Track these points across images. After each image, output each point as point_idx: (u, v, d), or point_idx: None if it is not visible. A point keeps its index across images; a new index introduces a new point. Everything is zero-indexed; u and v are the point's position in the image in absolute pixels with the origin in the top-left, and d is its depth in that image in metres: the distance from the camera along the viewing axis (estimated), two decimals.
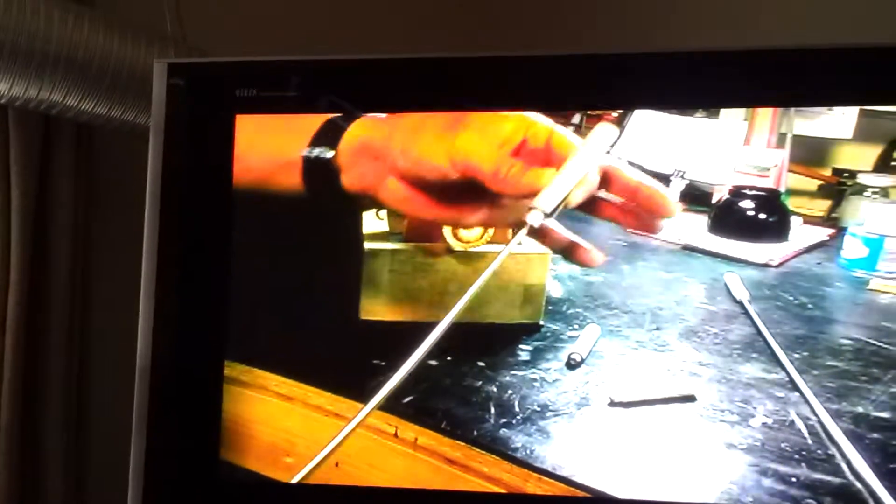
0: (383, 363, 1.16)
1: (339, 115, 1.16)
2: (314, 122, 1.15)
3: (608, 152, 1.09)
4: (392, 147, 1.11)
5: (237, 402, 1.19)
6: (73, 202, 1.62)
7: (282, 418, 1.17)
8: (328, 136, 1.14)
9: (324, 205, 1.16)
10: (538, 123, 1.09)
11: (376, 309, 1.18)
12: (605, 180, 1.09)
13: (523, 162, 1.07)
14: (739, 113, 1.16)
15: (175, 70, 1.24)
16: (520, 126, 1.09)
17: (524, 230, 1.07)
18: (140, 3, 1.61)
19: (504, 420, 1.11)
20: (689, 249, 1.18)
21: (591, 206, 1.10)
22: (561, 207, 1.07)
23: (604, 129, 1.09)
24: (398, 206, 1.13)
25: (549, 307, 1.16)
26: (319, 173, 1.14)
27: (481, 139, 1.08)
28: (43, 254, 1.59)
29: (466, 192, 1.10)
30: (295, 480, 1.14)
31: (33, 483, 1.59)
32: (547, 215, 1.06)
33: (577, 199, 1.08)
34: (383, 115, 1.16)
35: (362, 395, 1.14)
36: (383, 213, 1.22)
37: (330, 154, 1.13)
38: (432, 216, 1.13)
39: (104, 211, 1.69)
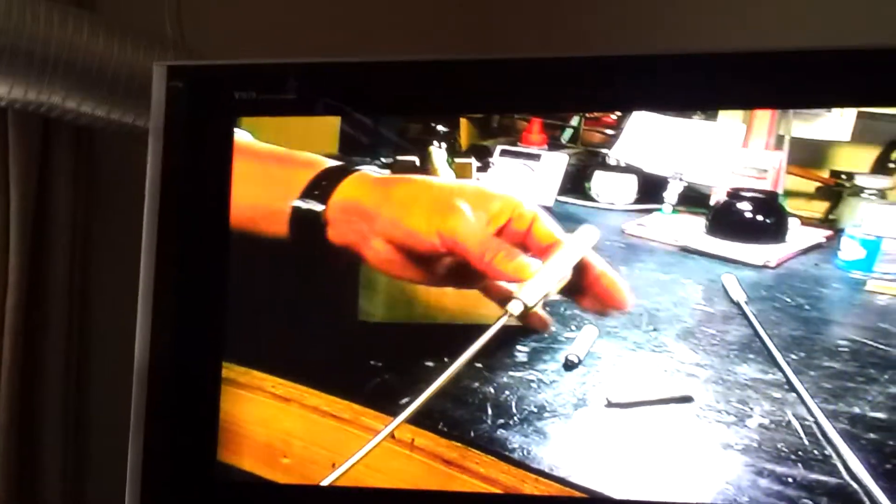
0: (380, 364, 1.16)
1: (332, 167, 1.15)
2: (304, 174, 1.14)
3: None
4: (382, 214, 1.11)
5: (234, 404, 1.19)
6: (72, 204, 1.62)
7: (279, 419, 1.17)
8: (320, 188, 1.14)
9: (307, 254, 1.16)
10: (524, 207, 1.09)
11: (374, 310, 1.18)
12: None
13: (508, 249, 1.07)
14: (737, 115, 1.16)
15: (174, 73, 1.25)
16: (506, 206, 1.09)
17: (504, 318, 1.07)
18: (140, 6, 1.61)
19: (501, 421, 1.11)
20: (686, 251, 1.18)
21: None
22: (541, 301, 1.07)
23: (588, 230, 1.10)
24: (381, 267, 1.13)
25: (547, 308, 1.16)
26: (307, 224, 1.13)
27: (470, 219, 1.09)
28: (42, 256, 1.59)
29: (452, 265, 1.10)
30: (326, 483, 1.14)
31: (31, 483, 1.58)
32: (528, 308, 1.06)
33: (555, 291, 1.09)
34: (376, 175, 1.15)
35: (359, 397, 1.14)
36: None
37: (320, 207, 1.13)
38: (415, 279, 1.13)
39: (103, 213, 1.69)
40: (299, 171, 1.15)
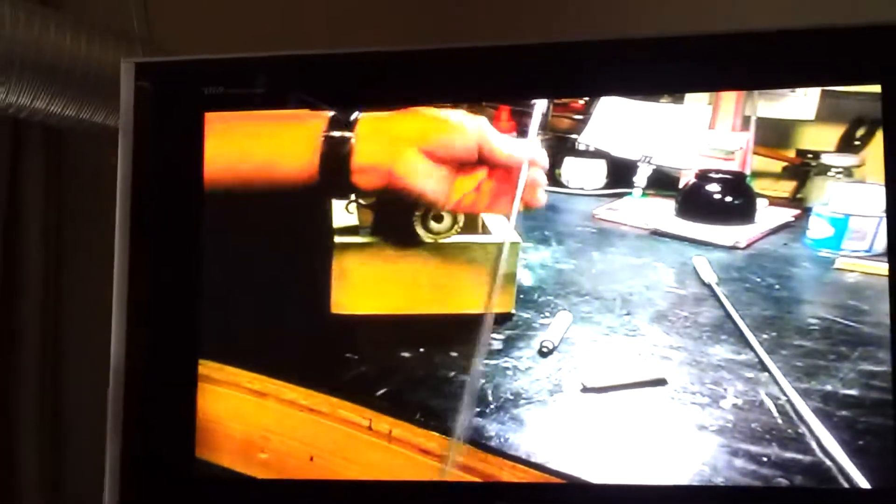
0: (356, 357, 1.16)
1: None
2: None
3: None
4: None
5: (210, 400, 1.18)
6: (43, 205, 1.62)
7: (256, 415, 1.17)
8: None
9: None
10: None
11: (347, 302, 1.18)
12: None
13: None
14: (704, 97, 1.17)
15: (142, 70, 1.24)
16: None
17: None
18: (106, 3, 1.61)
19: (478, 409, 1.11)
20: (657, 234, 1.18)
21: None
22: None
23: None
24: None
25: (521, 296, 1.16)
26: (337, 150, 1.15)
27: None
28: (14, 257, 1.59)
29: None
30: None
31: (8, 486, 1.58)
32: None
33: None
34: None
35: (336, 390, 1.14)
36: (353, 206, 1.22)
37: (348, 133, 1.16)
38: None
39: (75, 213, 1.69)
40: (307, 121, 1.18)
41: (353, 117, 1.16)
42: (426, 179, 1.14)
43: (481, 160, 1.14)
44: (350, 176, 1.15)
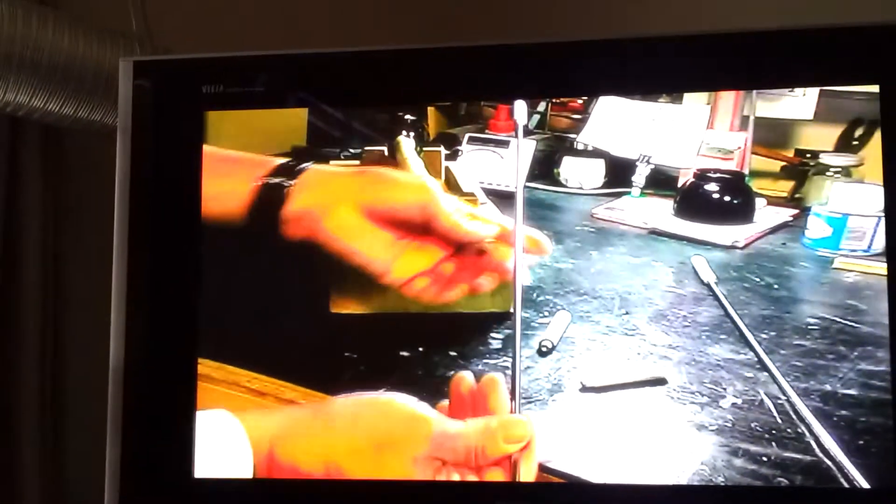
0: (355, 356, 1.16)
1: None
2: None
3: None
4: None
5: (210, 399, 1.18)
6: (42, 204, 1.62)
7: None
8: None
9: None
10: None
11: (347, 302, 1.18)
12: None
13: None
14: (702, 97, 1.17)
15: (141, 68, 1.24)
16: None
17: None
18: (105, 2, 1.60)
19: None
20: (655, 234, 1.18)
21: None
22: None
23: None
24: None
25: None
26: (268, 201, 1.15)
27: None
28: (13, 256, 1.58)
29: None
30: None
31: (8, 484, 1.58)
32: None
33: None
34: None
35: (335, 389, 1.14)
36: None
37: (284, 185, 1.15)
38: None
39: (74, 212, 1.69)
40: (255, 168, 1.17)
41: (302, 166, 1.15)
42: (358, 239, 1.12)
43: (437, 234, 1.12)
44: (279, 225, 1.14)
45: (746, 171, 1.16)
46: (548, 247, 1.12)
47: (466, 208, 1.14)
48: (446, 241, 1.12)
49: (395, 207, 1.12)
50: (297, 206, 1.13)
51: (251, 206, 1.14)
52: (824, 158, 1.13)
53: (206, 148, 1.20)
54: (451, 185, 1.23)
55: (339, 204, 1.13)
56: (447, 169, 1.24)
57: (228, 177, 1.17)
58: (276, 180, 1.15)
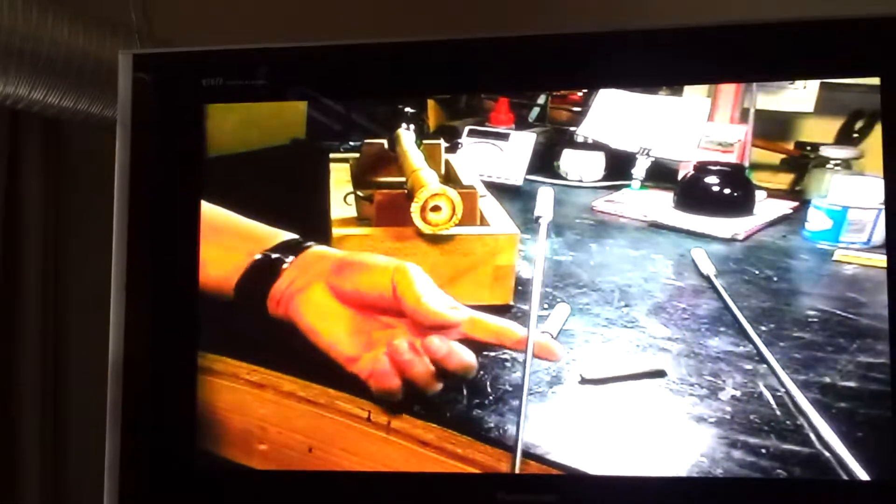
0: None
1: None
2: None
3: None
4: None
5: (210, 392, 1.18)
6: (42, 196, 1.62)
7: (254, 406, 1.17)
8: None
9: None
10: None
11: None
12: None
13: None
14: (702, 90, 1.17)
15: (140, 61, 1.24)
16: None
17: None
18: None
19: (477, 401, 1.11)
20: (655, 226, 1.18)
21: None
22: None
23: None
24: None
25: (519, 287, 1.16)
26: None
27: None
28: (14, 248, 1.58)
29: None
30: None
31: (9, 484, 1.58)
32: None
33: None
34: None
35: (334, 381, 1.14)
36: (351, 198, 1.22)
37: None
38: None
39: (74, 204, 1.69)
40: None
41: (305, 244, 1.17)
42: (326, 320, 1.13)
43: (407, 318, 1.12)
44: (265, 301, 1.16)
45: (747, 164, 1.17)
46: (560, 353, 1.12)
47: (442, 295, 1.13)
48: (414, 325, 1.12)
49: (361, 287, 1.13)
50: (281, 285, 1.15)
51: (241, 282, 1.17)
52: (824, 151, 1.13)
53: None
54: (451, 177, 1.23)
55: (311, 283, 1.14)
56: (447, 161, 1.24)
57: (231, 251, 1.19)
58: (276, 256, 1.17)
